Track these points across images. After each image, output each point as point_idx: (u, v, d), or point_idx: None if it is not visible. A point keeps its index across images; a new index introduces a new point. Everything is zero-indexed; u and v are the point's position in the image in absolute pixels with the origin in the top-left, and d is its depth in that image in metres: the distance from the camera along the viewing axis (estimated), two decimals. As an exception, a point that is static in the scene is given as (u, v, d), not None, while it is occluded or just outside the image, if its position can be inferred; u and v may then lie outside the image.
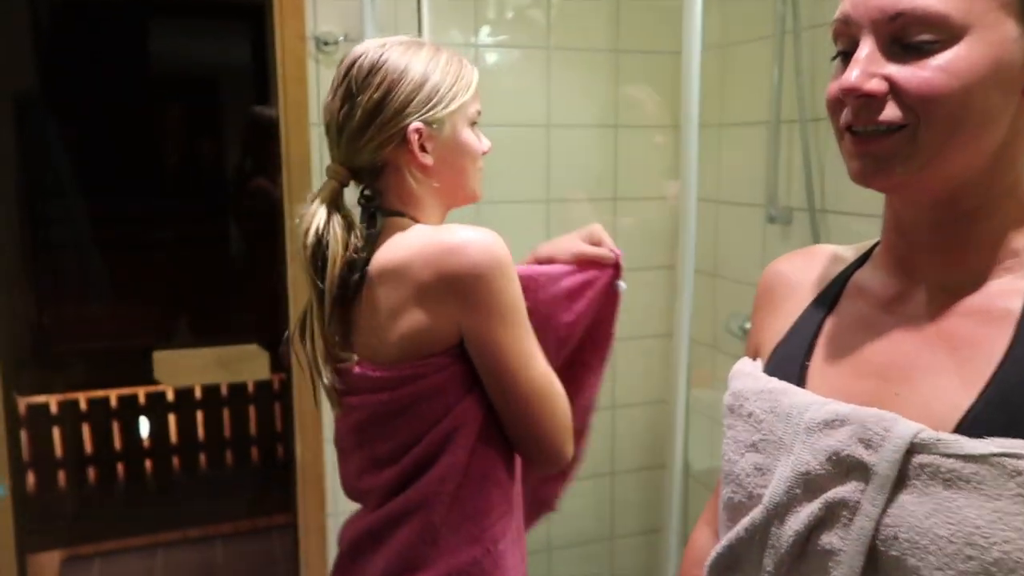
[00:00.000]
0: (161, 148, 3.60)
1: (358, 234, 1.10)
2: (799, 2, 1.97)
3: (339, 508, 2.37)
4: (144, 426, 2.94)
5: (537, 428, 1.06)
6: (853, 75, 0.62)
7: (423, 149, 1.10)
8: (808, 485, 0.63)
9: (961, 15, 0.58)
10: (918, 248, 0.68)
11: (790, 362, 0.73)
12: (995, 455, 0.56)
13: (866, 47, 0.62)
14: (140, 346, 3.03)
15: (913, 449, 0.59)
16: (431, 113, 1.08)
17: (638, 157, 2.50)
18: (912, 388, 0.64)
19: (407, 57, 1.09)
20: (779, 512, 0.65)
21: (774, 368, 0.74)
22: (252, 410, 2.97)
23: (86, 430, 2.86)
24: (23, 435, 2.74)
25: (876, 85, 0.61)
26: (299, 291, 2.24)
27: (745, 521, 0.68)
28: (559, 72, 2.38)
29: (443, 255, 1.02)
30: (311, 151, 2.20)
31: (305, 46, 2.16)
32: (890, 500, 0.60)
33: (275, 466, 3.00)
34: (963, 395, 0.60)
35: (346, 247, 1.08)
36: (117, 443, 2.93)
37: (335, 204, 1.11)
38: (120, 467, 2.95)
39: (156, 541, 2.98)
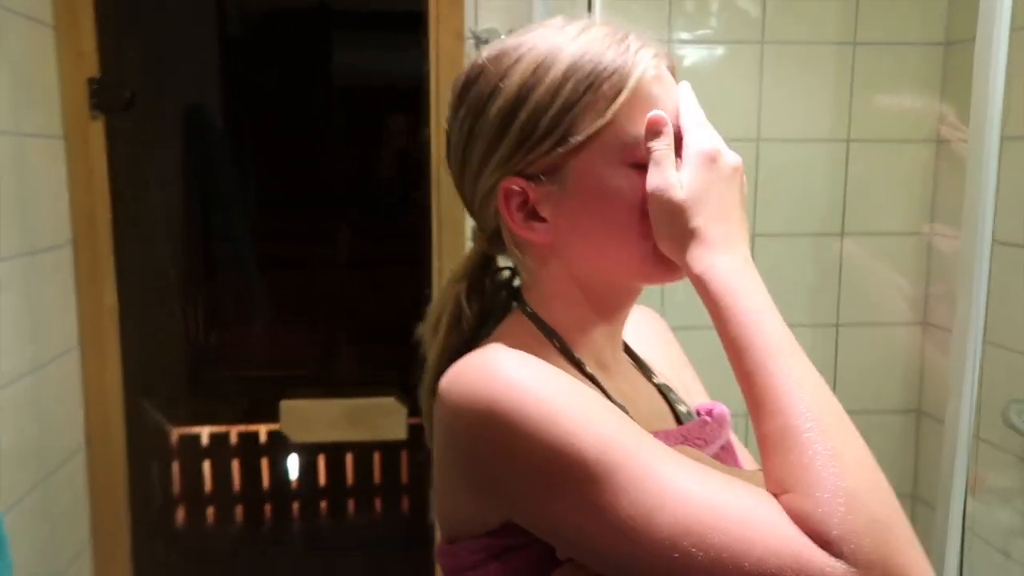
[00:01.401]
0: (337, 163, 3.48)
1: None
2: None
3: None
4: (293, 465, 2.76)
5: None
6: None
7: (533, 216, 0.70)
8: None
9: None
10: None
11: None
12: None
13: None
14: (290, 377, 2.87)
15: None
16: (531, 157, 0.68)
17: (880, 179, 1.95)
18: None
19: (509, 60, 0.69)
20: None
21: None
22: (405, 455, 2.71)
23: (235, 465, 2.73)
24: (175, 467, 2.64)
25: None
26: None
27: None
28: (774, 72, 1.89)
29: (440, 390, 0.64)
30: (465, 170, 1.88)
31: (463, 45, 1.84)
32: None
33: (425, 517, 2.72)
34: None
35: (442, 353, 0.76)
36: (265, 481, 2.77)
37: (473, 282, 0.77)
38: (268, 507, 2.79)
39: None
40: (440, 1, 1.83)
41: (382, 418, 2.15)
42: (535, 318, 0.74)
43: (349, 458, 2.73)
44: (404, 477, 2.74)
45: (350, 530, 2.80)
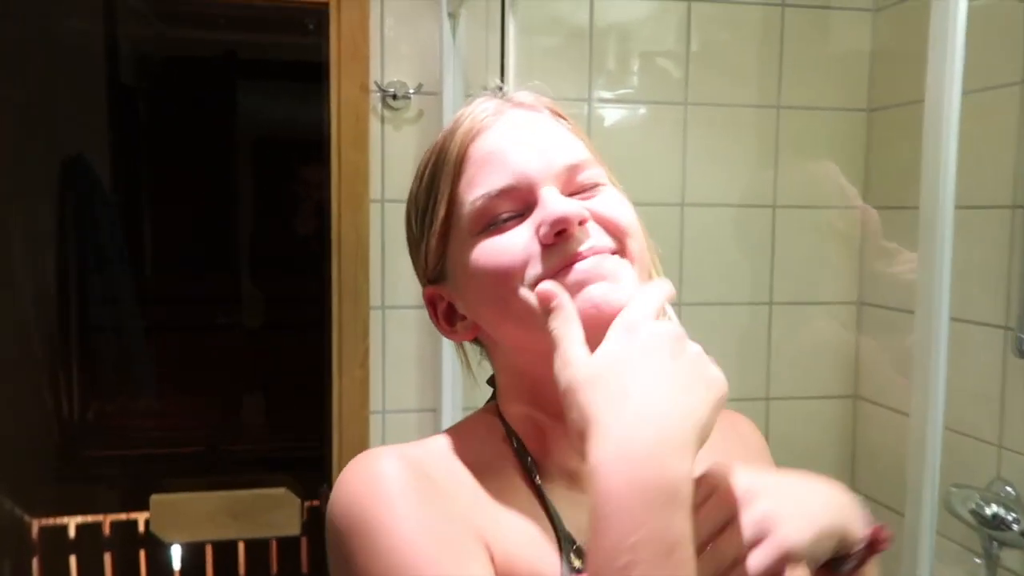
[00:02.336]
0: (224, 219, 3.25)
1: None
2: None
3: None
4: (176, 557, 2.46)
5: None
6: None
7: (457, 317, 0.69)
8: None
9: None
10: None
11: None
12: None
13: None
14: (173, 455, 2.60)
15: None
16: (424, 268, 0.69)
17: (807, 249, 1.87)
18: None
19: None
20: None
21: None
22: (305, 543, 2.45)
23: (107, 560, 2.41)
24: (35, 563, 2.31)
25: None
26: (345, 414, 1.72)
27: None
28: (697, 133, 1.81)
29: None
30: (369, 235, 1.70)
31: (368, 99, 1.68)
32: None
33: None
34: None
35: None
36: (143, 577, 2.46)
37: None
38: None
39: None
40: (343, 53, 1.68)
41: (272, 511, 1.90)
42: (500, 415, 0.69)
43: (241, 549, 2.45)
44: (304, 567, 2.48)
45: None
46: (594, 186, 0.65)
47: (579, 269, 0.60)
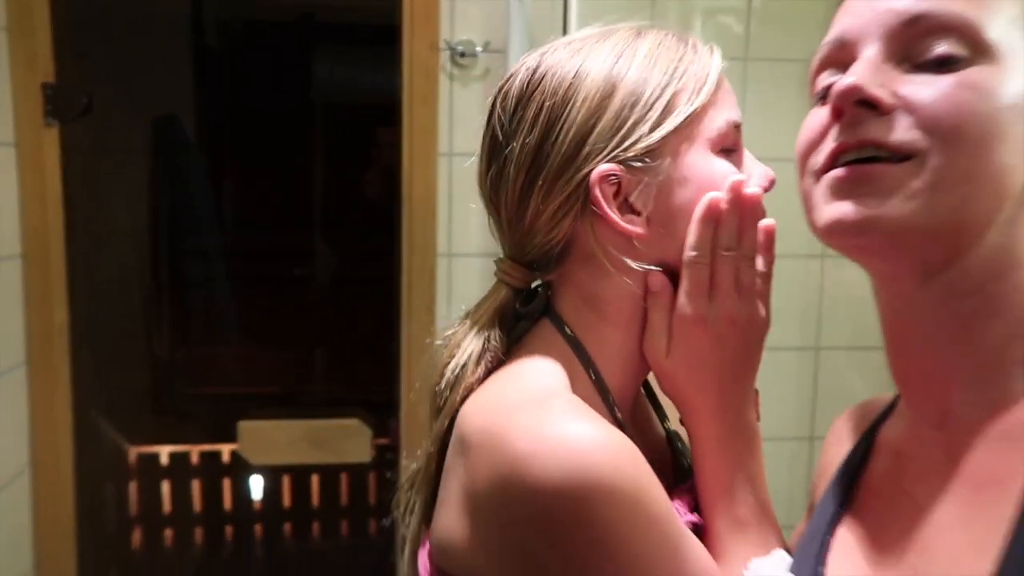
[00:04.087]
0: (306, 183, 3.39)
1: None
2: None
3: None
4: (257, 486, 2.64)
5: None
6: (855, 76, 0.49)
7: (627, 208, 0.63)
8: None
9: (995, 34, 0.48)
10: (916, 354, 0.54)
11: (805, 561, 0.58)
12: None
13: (870, 52, 0.50)
14: (255, 395, 2.76)
15: None
16: (627, 143, 0.61)
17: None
18: (931, 560, 0.50)
19: (578, 60, 0.64)
20: None
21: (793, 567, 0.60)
22: (372, 477, 2.60)
23: (196, 486, 2.60)
24: (132, 487, 2.52)
25: (884, 93, 0.49)
26: (413, 354, 1.83)
27: None
28: (756, 89, 1.83)
29: (501, 461, 0.54)
30: (437, 187, 1.79)
31: (438, 57, 1.76)
32: None
33: (393, 541, 2.61)
34: (982, 559, 0.46)
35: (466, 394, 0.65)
36: (227, 502, 2.65)
37: (500, 325, 0.67)
38: (229, 529, 2.66)
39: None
40: (415, 13, 1.75)
41: (345, 440, 2.04)
42: (574, 342, 0.64)
43: (315, 480, 2.61)
44: (371, 499, 2.63)
45: (315, 554, 2.68)
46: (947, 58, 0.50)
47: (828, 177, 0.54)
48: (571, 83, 0.62)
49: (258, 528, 2.68)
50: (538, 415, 0.56)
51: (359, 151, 3.35)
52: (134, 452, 2.51)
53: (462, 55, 1.76)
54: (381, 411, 2.12)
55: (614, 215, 0.62)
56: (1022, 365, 0.50)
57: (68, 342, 1.75)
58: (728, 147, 0.64)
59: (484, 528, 0.56)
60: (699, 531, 0.63)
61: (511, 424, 0.56)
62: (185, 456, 2.58)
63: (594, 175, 0.61)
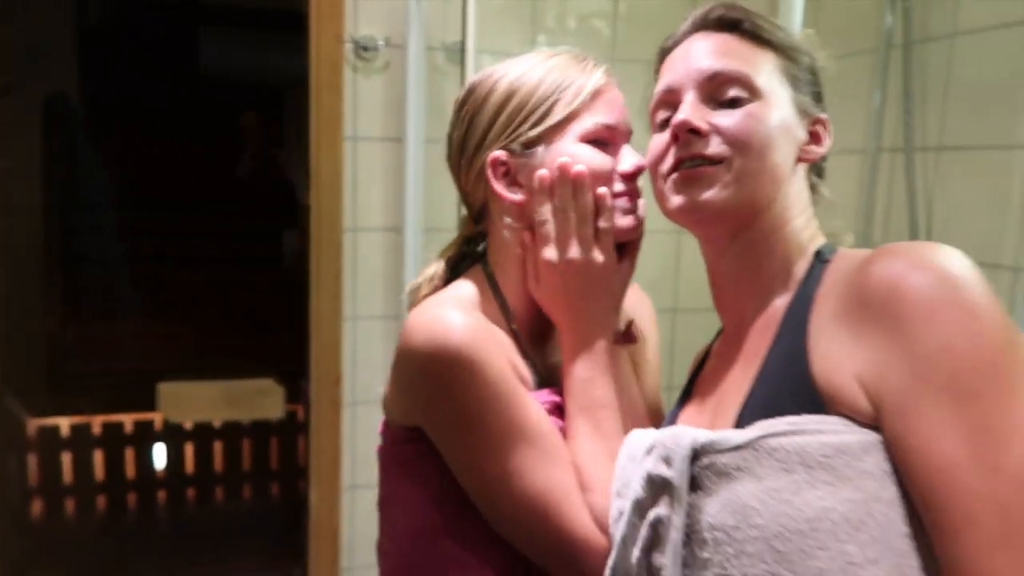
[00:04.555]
0: (200, 161, 3.43)
1: None
2: (911, 12, 1.67)
3: (355, 562, 2.11)
4: (160, 455, 2.73)
5: (531, 545, 0.82)
6: (684, 114, 0.76)
7: (513, 183, 0.87)
8: (639, 512, 0.70)
9: (762, 82, 0.76)
10: (724, 290, 0.82)
11: (671, 414, 0.88)
12: (755, 439, 0.65)
13: (690, 97, 0.77)
14: (160, 369, 2.84)
15: (697, 454, 0.67)
16: (515, 135, 0.86)
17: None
18: (724, 406, 0.77)
19: (498, 75, 0.89)
20: (626, 544, 0.71)
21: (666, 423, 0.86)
22: (275, 443, 2.74)
23: (98, 456, 2.66)
24: (32, 459, 2.55)
25: (702, 123, 0.75)
26: (322, 321, 2.00)
27: (609, 562, 0.73)
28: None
29: (402, 336, 0.83)
30: (343, 168, 1.97)
31: (342, 51, 1.93)
32: (692, 506, 0.67)
33: (296, 505, 2.76)
34: (741, 396, 0.73)
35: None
36: (130, 471, 2.72)
37: (454, 255, 0.95)
38: (132, 497, 2.73)
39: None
40: (321, 8, 1.91)
41: (261, 398, 2.19)
42: (491, 278, 0.90)
43: (218, 446, 2.73)
44: (274, 463, 2.77)
45: (219, 516, 2.80)
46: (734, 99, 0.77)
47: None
48: (487, 92, 0.87)
49: (161, 495, 2.77)
50: (430, 308, 0.83)
51: (244, 132, 3.44)
52: (34, 424, 2.54)
53: (365, 49, 1.94)
54: (289, 376, 2.28)
55: (499, 187, 0.86)
56: (781, 285, 0.77)
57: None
58: (601, 140, 0.86)
59: (395, 383, 0.85)
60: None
61: (415, 313, 0.83)
62: (86, 427, 2.64)
63: (489, 158, 0.86)
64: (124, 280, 2.93)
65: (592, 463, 0.79)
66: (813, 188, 0.82)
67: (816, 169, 0.83)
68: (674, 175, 0.78)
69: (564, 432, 0.85)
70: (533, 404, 0.82)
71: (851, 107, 1.87)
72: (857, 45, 1.84)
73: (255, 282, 3.04)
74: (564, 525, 0.78)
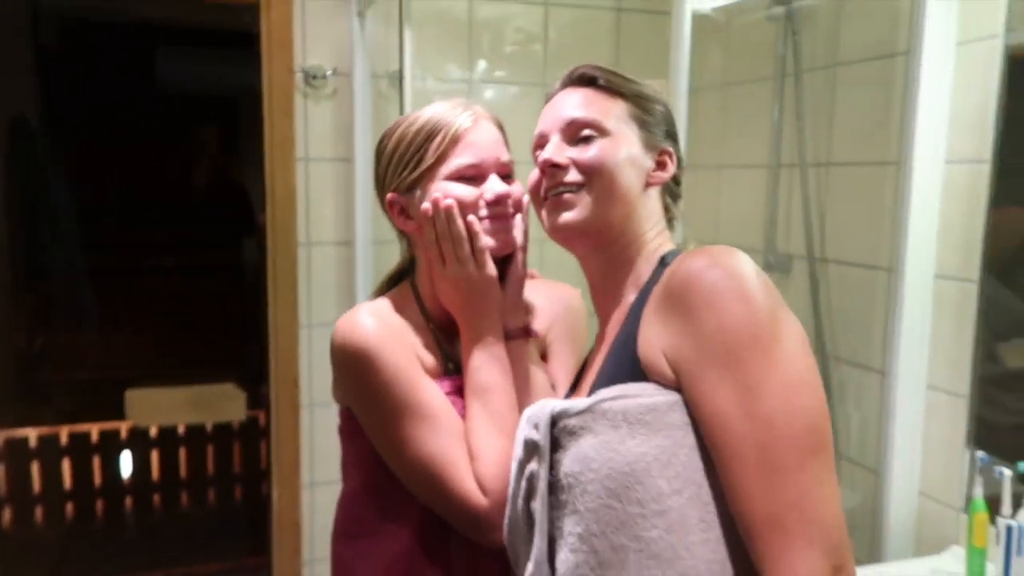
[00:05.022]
0: (158, 175, 3.54)
1: None
2: (800, 45, 1.88)
3: (315, 555, 2.25)
4: (126, 462, 2.83)
5: (430, 503, 1.00)
6: (549, 154, 0.94)
7: (407, 216, 1.05)
8: (520, 469, 0.88)
9: (610, 125, 0.93)
10: (597, 293, 0.99)
11: (567, 394, 1.05)
12: (592, 404, 0.82)
13: (555, 139, 0.95)
14: (125, 378, 2.94)
15: (555, 420, 0.84)
16: (400, 179, 1.04)
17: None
18: (586, 382, 0.95)
19: (397, 124, 1.06)
20: (514, 497, 0.89)
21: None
22: (237, 447, 2.86)
23: (66, 465, 2.76)
24: (0, 470, 2.64)
25: (562, 159, 0.93)
26: (280, 328, 2.15)
27: (506, 513, 0.92)
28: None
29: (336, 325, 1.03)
30: (296, 187, 2.12)
31: (292, 79, 2.08)
32: (555, 461, 0.84)
33: (259, 506, 2.88)
34: (596, 373, 0.92)
35: None
36: (97, 479, 2.82)
37: (395, 276, 1.15)
38: (100, 504, 2.84)
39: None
40: (272, 41, 2.06)
41: (224, 402, 2.32)
42: (414, 287, 1.10)
43: (183, 452, 2.84)
44: (237, 467, 2.89)
45: (186, 519, 2.90)
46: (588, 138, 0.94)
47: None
48: (385, 142, 1.06)
49: (128, 501, 2.87)
50: (349, 313, 1.03)
51: (199, 146, 3.55)
52: (1, 436, 2.63)
53: (314, 77, 2.10)
54: (249, 381, 2.42)
55: (396, 220, 1.06)
56: (632, 286, 0.93)
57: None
58: (467, 176, 1.02)
59: (333, 374, 1.06)
60: None
61: (340, 319, 1.03)
62: (54, 438, 2.74)
63: (387, 198, 1.06)
64: (87, 292, 3.02)
65: (478, 436, 0.98)
66: (667, 208, 0.99)
67: (670, 192, 1.00)
68: (546, 202, 0.95)
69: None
70: (430, 387, 1.00)
71: (757, 127, 2.07)
72: (760, 72, 2.05)
73: (215, 292, 3.16)
74: (450, 487, 0.96)
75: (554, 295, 1.15)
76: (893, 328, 1.58)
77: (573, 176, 0.92)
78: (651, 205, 0.96)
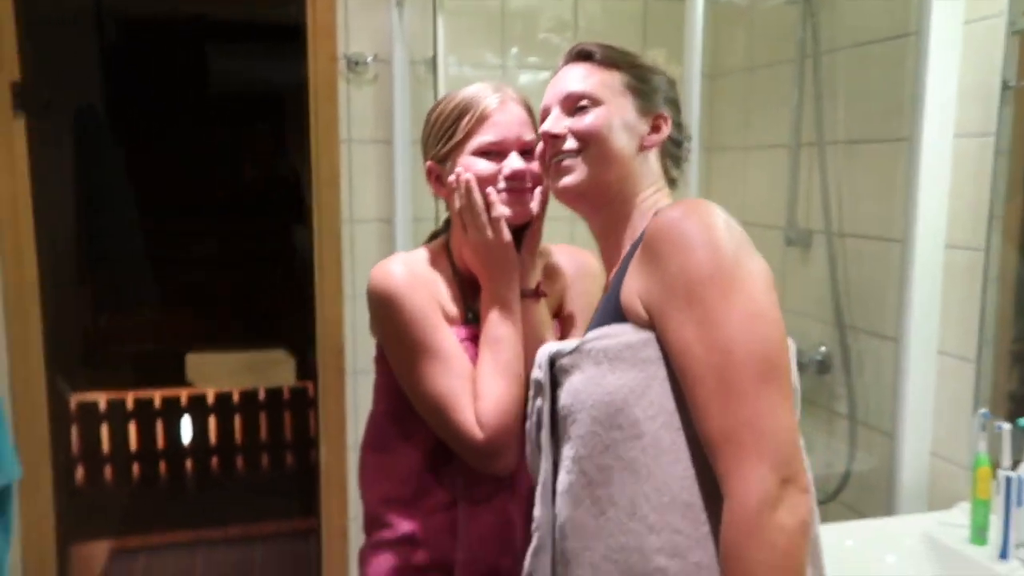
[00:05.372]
0: (213, 165, 3.71)
1: None
2: (819, 28, 1.92)
3: (360, 513, 2.38)
4: (186, 427, 3.01)
5: (438, 432, 1.13)
6: (548, 126, 1.03)
7: (441, 183, 1.17)
8: (532, 406, 0.99)
9: (600, 94, 1.00)
10: (602, 249, 1.06)
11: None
12: (579, 345, 0.92)
13: (555, 111, 1.03)
14: (184, 348, 3.12)
15: (552, 360, 0.95)
16: (435, 151, 1.16)
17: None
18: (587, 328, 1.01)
19: (439, 101, 1.18)
20: (529, 430, 1.00)
21: None
22: (288, 416, 3.02)
23: (132, 428, 2.95)
24: (73, 431, 2.84)
25: (560, 128, 1.01)
26: (325, 300, 2.27)
27: (527, 444, 1.02)
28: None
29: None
30: (340, 167, 2.23)
31: (336, 66, 2.20)
32: (555, 397, 0.95)
33: (309, 472, 3.03)
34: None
35: None
36: (160, 442, 3.01)
37: (437, 232, 1.28)
38: (162, 465, 3.02)
39: (197, 538, 3.04)
40: (317, 30, 2.18)
41: (275, 367, 2.47)
42: (447, 244, 1.21)
43: (238, 419, 3.01)
44: (288, 435, 3.05)
45: (240, 481, 3.07)
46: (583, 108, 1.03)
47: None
48: (428, 117, 1.18)
49: (188, 463, 3.05)
50: (382, 262, 1.14)
51: (252, 138, 3.71)
52: (75, 400, 2.83)
53: (356, 64, 2.21)
54: (300, 350, 2.56)
55: (433, 186, 1.18)
56: (629, 239, 0.99)
57: (39, 298, 2.10)
58: (490, 152, 1.12)
59: None
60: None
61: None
62: (121, 402, 2.93)
63: (427, 166, 1.18)
64: (148, 273, 3.21)
65: (484, 380, 1.10)
66: (667, 170, 1.06)
67: (671, 154, 1.06)
68: (550, 169, 1.04)
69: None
70: (446, 333, 1.12)
71: (778, 109, 2.12)
72: (782, 55, 2.10)
73: (267, 271, 3.32)
74: (453, 420, 1.09)
75: (575, 259, 1.27)
76: (905, 297, 1.63)
77: (571, 144, 1.00)
78: (648, 166, 1.02)
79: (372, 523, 1.24)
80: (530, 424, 0.99)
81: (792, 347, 0.91)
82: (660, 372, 0.87)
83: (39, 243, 2.11)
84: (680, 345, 0.84)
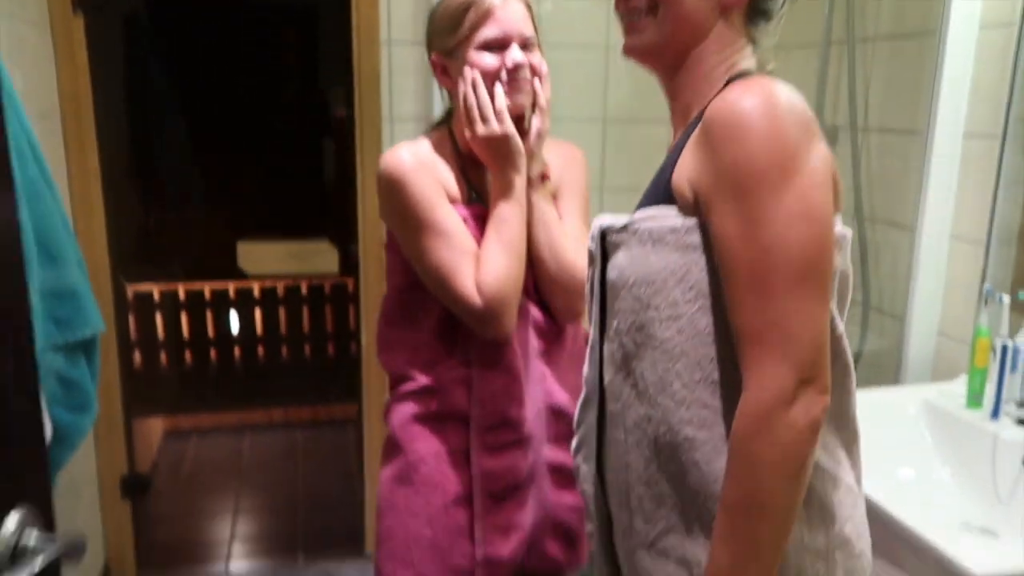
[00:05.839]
0: (253, 68, 3.75)
1: None
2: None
3: (399, 395, 2.52)
4: (234, 318, 3.16)
5: (442, 299, 1.25)
6: None
7: (447, 74, 1.26)
8: (589, 276, 1.00)
9: None
10: (672, 113, 0.98)
11: None
12: (627, 224, 0.92)
13: None
14: (232, 243, 3.24)
15: (604, 234, 0.95)
16: (442, 43, 1.24)
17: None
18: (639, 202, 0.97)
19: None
20: (588, 297, 1.01)
21: None
22: (329, 309, 3.16)
23: (184, 318, 3.11)
24: (131, 318, 3.00)
25: None
26: (367, 194, 2.36)
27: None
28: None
29: None
30: (380, 67, 2.28)
31: (377, -26, 2.22)
32: (604, 268, 0.96)
33: (348, 362, 3.19)
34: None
35: None
36: (210, 331, 3.18)
37: (441, 119, 1.38)
38: (212, 352, 3.19)
39: (243, 421, 3.24)
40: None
41: (319, 256, 2.59)
42: (450, 130, 1.32)
43: (282, 312, 3.16)
44: (330, 326, 3.20)
45: (285, 368, 3.24)
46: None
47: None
48: (433, 9, 1.26)
49: (237, 351, 3.22)
50: (394, 146, 1.26)
51: (291, 43, 3.73)
52: (132, 290, 2.98)
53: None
54: (343, 242, 2.66)
55: (439, 77, 1.28)
56: (696, 108, 0.92)
57: (101, 187, 2.21)
58: (494, 46, 1.22)
59: None
60: None
61: None
62: (174, 293, 3.08)
63: (432, 59, 1.27)
64: (196, 172, 3.32)
65: (487, 253, 1.21)
66: (749, 34, 0.94)
67: (762, 11, 0.94)
68: (624, 26, 0.98)
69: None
70: (448, 211, 1.23)
71: (811, 8, 2.13)
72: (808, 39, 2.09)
73: (312, 166, 3.41)
74: (454, 288, 1.21)
75: (563, 151, 1.38)
76: (922, 184, 1.69)
77: (640, 2, 0.92)
78: (729, 30, 0.92)
79: (396, 382, 1.36)
80: (586, 289, 1.03)
81: (847, 234, 0.89)
82: (701, 259, 0.86)
83: (99, 138, 2.21)
84: (722, 237, 0.83)
